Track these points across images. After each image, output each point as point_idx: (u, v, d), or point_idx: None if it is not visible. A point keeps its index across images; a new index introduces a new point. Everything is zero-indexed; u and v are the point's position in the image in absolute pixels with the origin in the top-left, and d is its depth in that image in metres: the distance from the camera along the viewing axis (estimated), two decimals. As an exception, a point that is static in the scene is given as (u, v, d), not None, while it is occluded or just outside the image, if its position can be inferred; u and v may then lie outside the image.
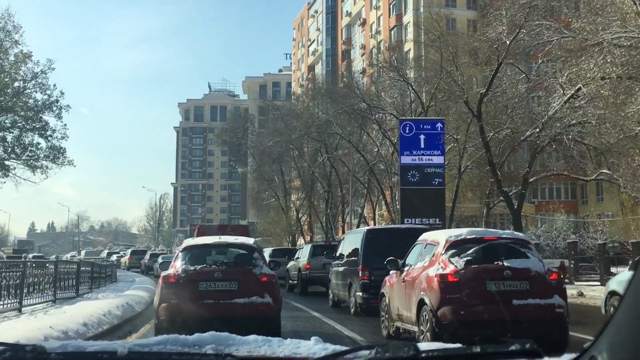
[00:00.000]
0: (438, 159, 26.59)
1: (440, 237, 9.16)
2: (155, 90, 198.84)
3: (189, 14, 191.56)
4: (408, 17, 51.83)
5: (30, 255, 46.78)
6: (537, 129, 22.86)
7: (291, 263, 23.95)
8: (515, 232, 10.94)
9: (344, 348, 2.03)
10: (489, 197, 28.69)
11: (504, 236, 9.07)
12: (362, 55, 60.32)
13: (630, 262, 13.47)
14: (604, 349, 1.38)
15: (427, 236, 9.91)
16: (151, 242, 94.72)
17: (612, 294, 11.69)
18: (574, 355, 1.59)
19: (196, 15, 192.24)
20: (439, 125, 26.77)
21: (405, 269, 9.76)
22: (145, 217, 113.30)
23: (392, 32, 53.83)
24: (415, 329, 8.75)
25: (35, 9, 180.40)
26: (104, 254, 57.48)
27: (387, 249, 12.44)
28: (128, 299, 12.75)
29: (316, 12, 75.01)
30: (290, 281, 23.60)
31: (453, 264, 8.33)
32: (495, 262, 8.36)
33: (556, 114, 22.17)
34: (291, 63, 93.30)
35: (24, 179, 42.59)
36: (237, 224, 40.50)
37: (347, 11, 66.46)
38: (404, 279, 9.52)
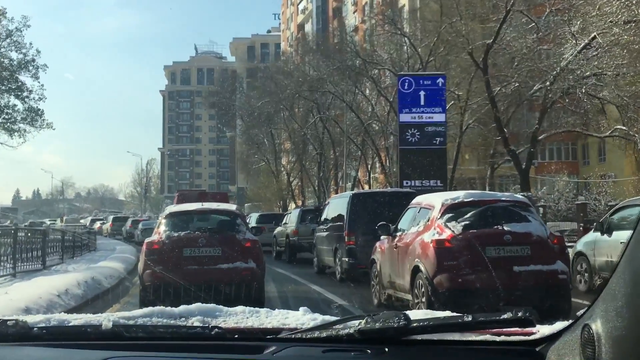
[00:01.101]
0: (439, 117, 24.77)
1: (436, 200, 8.63)
2: (141, 54, 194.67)
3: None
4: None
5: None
6: (548, 82, 21.12)
7: (278, 229, 22.96)
8: (515, 195, 10.60)
9: (333, 318, 2.06)
10: (493, 157, 27.00)
11: (504, 199, 8.72)
12: (354, 13, 58.07)
13: (595, 223, 12.70)
14: (598, 316, 1.37)
15: (420, 199, 9.41)
16: (138, 208, 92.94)
17: (579, 254, 11.69)
18: (567, 324, 1.61)
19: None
20: (440, 80, 24.91)
21: (398, 234, 9.27)
22: (132, 183, 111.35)
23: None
24: (409, 297, 8.40)
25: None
26: (87, 220, 55.23)
27: (374, 214, 12.52)
28: (97, 272, 11.02)
29: (306, -33, 72.28)
30: (277, 248, 22.65)
31: (450, 228, 7.90)
32: (495, 227, 7.96)
33: (569, 65, 20.43)
34: (280, 23, 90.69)
35: (1, 143, 40.85)
36: (216, 192, 38.96)
37: (338, -34, 63.82)
38: (396, 244, 9.08)
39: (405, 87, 24.82)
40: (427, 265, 7.84)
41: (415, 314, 1.93)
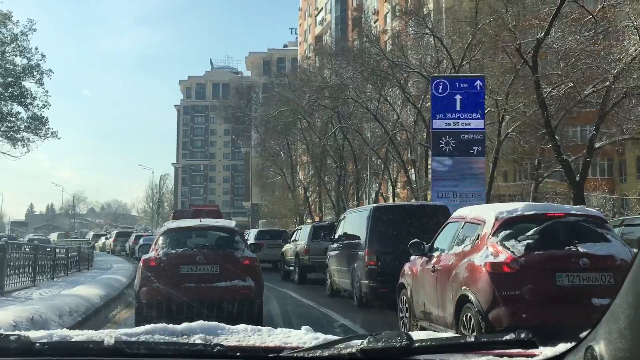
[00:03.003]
0: (477, 123, 22.03)
1: (487, 213, 7.26)
2: (157, 69, 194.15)
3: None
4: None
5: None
6: (608, 82, 18.36)
7: (287, 246, 21.30)
8: (588, 208, 8.85)
9: (335, 337, 2.04)
10: (537, 169, 24.09)
11: (574, 212, 7.21)
12: (375, 22, 55.85)
13: None
14: (601, 338, 1.37)
15: (465, 212, 8.01)
16: (150, 224, 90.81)
17: None
18: (570, 346, 1.60)
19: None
20: (478, 83, 22.22)
21: (435, 254, 8.04)
22: (145, 199, 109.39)
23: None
24: (451, 333, 6.90)
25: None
26: (89, 235, 52.40)
27: (397, 230, 11.58)
28: (58, 304, 8.40)
29: (324, -22, 70.49)
30: (285, 267, 21.03)
31: (508, 249, 6.54)
32: (567, 248, 6.58)
33: (634, 61, 17.71)
34: (296, 38, 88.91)
35: (4, 153, 38.69)
36: (210, 207, 37.24)
37: (358, -26, 61.90)
38: (433, 267, 7.80)
39: (440, 91, 22.19)
40: (480, 296, 6.47)
41: (417, 335, 1.95)
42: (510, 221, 6.85)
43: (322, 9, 71.45)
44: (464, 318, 6.76)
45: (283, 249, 21.60)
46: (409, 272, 8.84)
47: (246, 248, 9.62)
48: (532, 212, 6.96)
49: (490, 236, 6.80)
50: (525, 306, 6.27)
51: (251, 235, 23.70)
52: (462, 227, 7.69)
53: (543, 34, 18.40)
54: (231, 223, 10.89)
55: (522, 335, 1.74)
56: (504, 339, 1.76)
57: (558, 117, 22.16)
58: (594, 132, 19.15)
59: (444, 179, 22.01)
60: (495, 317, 6.34)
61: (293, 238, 21.52)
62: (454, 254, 7.44)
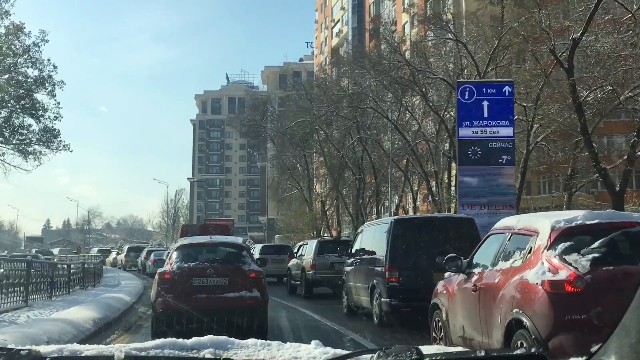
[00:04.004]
0: (506, 131, 20.84)
1: (541, 223, 6.31)
2: (173, 85, 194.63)
3: (208, 10, 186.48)
4: (447, -15, 46.52)
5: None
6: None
7: (293, 261, 21.69)
8: None
9: (344, 352, 2.03)
10: (571, 179, 22.68)
11: None
12: (393, 33, 54.88)
13: None
14: (612, 352, 1.36)
15: (511, 222, 7.09)
16: (165, 238, 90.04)
17: None
18: None
19: (216, 10, 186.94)
20: (507, 88, 21.04)
21: (475, 271, 7.22)
22: (161, 214, 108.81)
23: (429, 3, 48.47)
24: None
25: (57, 8, 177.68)
26: (94, 251, 50.85)
27: (420, 244, 11.28)
28: (40, 330, 7.30)
29: (341, -11, 69.82)
30: (292, 281, 21.34)
31: (570, 264, 5.58)
32: None
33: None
34: (312, 51, 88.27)
35: (15, 166, 37.91)
36: (218, 222, 36.95)
37: (375, -15, 61.11)
38: (475, 286, 6.95)
39: (466, 97, 21.00)
40: (537, 320, 5.59)
41: (427, 349, 1.89)
42: (570, 231, 5.91)
43: (338, 20, 70.73)
44: (517, 345, 5.78)
45: (289, 264, 21.95)
46: (444, 292, 7.96)
47: (252, 262, 10.34)
48: (595, 221, 5.97)
49: (546, 249, 5.89)
50: (594, 332, 5.21)
51: (256, 250, 24.02)
52: (509, 240, 6.79)
53: (579, 33, 17.09)
54: (238, 239, 11.88)
55: (533, 350, 1.76)
56: (515, 353, 1.83)
57: (592, 123, 20.80)
58: (635, 138, 17.76)
59: (471, 190, 20.81)
60: (557, 345, 5.40)
61: (299, 253, 21.76)
62: (500, 270, 6.56)
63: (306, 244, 21.84)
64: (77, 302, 12.01)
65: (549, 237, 5.98)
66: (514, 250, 6.60)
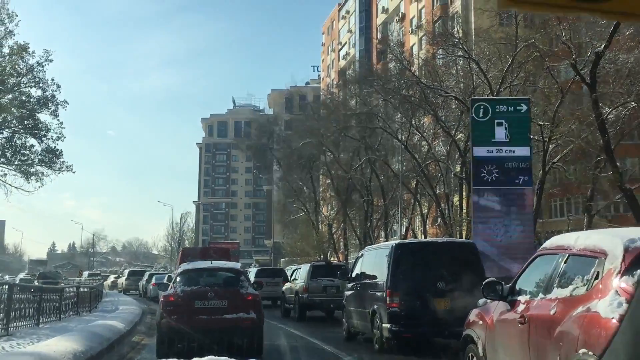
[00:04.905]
0: (523, 151, 20.05)
1: (609, 242, 5.17)
2: (179, 109, 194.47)
3: (214, 35, 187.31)
4: (456, 6, 46.08)
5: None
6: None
7: (287, 285, 22.25)
8: None
9: None
10: (591, 200, 21.68)
11: None
12: (401, 54, 54.44)
13: None
14: None
15: (567, 241, 5.86)
16: (169, 262, 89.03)
17: None
18: None
19: (222, 35, 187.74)
20: (523, 106, 20.33)
21: (521, 299, 6.17)
22: (166, 237, 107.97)
23: (437, 25, 48.05)
24: None
25: (66, 35, 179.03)
26: (85, 275, 49.08)
27: (421, 269, 11.29)
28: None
29: (348, 12, 69.62)
30: (285, 305, 21.79)
31: None
32: None
33: None
34: (319, 74, 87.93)
35: (17, 187, 37.14)
36: (219, 245, 37.06)
37: (383, 7, 60.88)
38: (522, 317, 5.89)
39: (480, 115, 20.19)
40: None
41: None
42: None
43: (345, 43, 70.43)
44: None
45: (283, 288, 22.50)
46: (480, 322, 6.90)
47: (249, 286, 11.19)
48: None
49: (619, 275, 4.84)
50: None
51: (252, 274, 24.37)
52: (565, 262, 5.72)
53: (602, 46, 16.28)
54: (237, 265, 12.89)
55: None
56: None
57: (613, 142, 19.90)
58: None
59: (486, 211, 19.90)
60: None
61: (293, 277, 22.16)
62: (557, 299, 5.50)
63: (299, 268, 22.28)
64: (65, 330, 10.97)
65: (623, 260, 4.95)
66: (574, 275, 5.58)
